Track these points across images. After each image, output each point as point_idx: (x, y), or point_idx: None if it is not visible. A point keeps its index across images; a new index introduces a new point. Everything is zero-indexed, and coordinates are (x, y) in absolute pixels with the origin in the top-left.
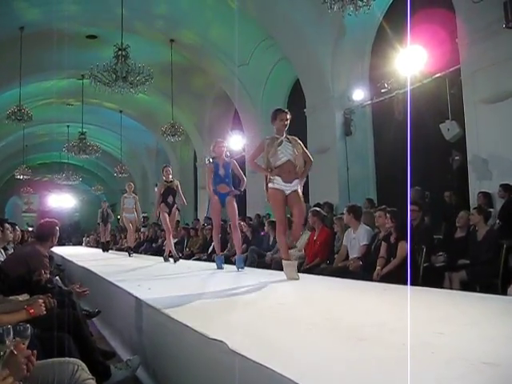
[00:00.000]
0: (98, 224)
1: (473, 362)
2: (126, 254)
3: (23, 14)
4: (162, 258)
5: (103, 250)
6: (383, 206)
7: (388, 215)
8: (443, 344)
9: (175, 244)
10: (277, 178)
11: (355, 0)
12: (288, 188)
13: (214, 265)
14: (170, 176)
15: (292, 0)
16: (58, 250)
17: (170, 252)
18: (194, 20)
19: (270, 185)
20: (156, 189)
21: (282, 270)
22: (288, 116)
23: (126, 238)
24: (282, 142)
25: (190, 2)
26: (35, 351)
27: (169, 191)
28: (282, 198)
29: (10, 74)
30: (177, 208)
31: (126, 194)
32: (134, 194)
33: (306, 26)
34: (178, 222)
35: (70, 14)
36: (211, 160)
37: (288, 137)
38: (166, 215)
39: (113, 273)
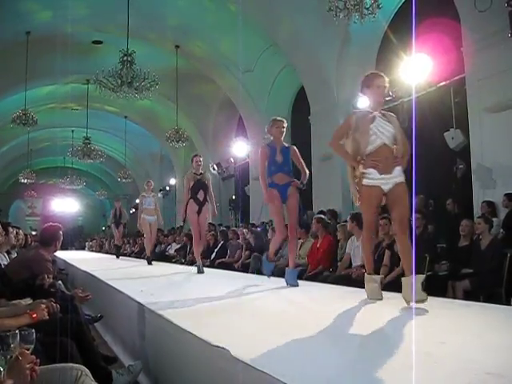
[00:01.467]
0: (109, 227)
1: (476, 373)
2: (143, 261)
3: (30, 19)
4: (189, 267)
5: (117, 256)
6: (386, 215)
7: (392, 223)
8: (446, 354)
9: (177, 250)
10: (370, 170)
11: (360, 8)
12: (386, 182)
13: (220, 272)
14: (201, 167)
15: (297, 7)
16: (61, 254)
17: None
18: (200, 27)
19: (364, 181)
20: (184, 182)
21: (283, 276)
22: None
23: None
24: (374, 118)
25: (195, 10)
26: (38, 360)
27: (199, 185)
28: (377, 198)
29: (16, 78)
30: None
31: (144, 193)
32: (153, 193)
33: (311, 33)
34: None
35: (76, 19)
36: (266, 143)
37: (383, 112)
38: (195, 216)
39: (116, 277)
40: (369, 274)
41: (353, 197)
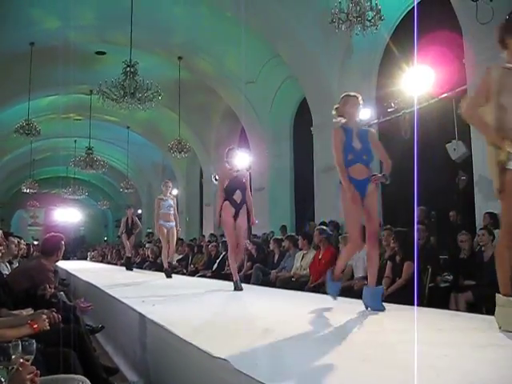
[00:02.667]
0: (118, 236)
1: None
2: (157, 273)
3: (34, 30)
4: (189, 278)
5: (127, 268)
6: (388, 226)
7: (393, 235)
8: (449, 366)
9: (179, 260)
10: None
11: (363, 20)
12: None
13: (222, 283)
14: (237, 164)
15: (300, 19)
16: (62, 264)
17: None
18: (203, 38)
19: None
20: (218, 179)
21: (286, 288)
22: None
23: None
24: None
25: (198, 21)
26: (38, 372)
27: (236, 184)
28: None
29: (20, 89)
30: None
31: (161, 196)
32: (172, 196)
33: (314, 45)
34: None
35: (80, 30)
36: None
37: None
38: (232, 221)
39: (117, 288)
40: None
41: (494, 190)
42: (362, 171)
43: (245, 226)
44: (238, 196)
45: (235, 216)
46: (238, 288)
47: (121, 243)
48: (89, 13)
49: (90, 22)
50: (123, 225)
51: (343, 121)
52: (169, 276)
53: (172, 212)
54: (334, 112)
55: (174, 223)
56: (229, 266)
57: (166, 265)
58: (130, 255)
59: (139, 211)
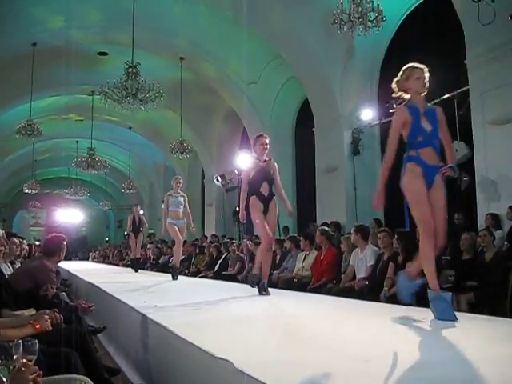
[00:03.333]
0: (126, 236)
1: None
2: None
3: (36, 31)
4: (223, 283)
5: (135, 270)
6: (383, 228)
7: (396, 236)
8: (450, 367)
9: (182, 261)
10: None
11: (365, 21)
12: None
13: (224, 284)
14: (266, 153)
15: (302, 20)
16: (64, 264)
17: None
18: (205, 39)
19: None
20: (242, 172)
21: (288, 288)
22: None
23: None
24: None
25: (200, 22)
26: (41, 372)
27: (263, 175)
28: None
29: (22, 89)
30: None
31: (171, 192)
32: (182, 193)
33: (316, 45)
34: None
35: (82, 31)
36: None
37: None
38: (261, 215)
39: (119, 288)
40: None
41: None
42: (433, 157)
43: (274, 221)
44: (265, 189)
45: (264, 210)
46: (264, 291)
47: (127, 243)
48: (91, 13)
49: (92, 23)
50: (130, 224)
51: (407, 96)
52: (175, 277)
53: (181, 209)
54: (393, 86)
55: (183, 221)
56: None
57: (177, 264)
58: (137, 256)
59: (141, 212)
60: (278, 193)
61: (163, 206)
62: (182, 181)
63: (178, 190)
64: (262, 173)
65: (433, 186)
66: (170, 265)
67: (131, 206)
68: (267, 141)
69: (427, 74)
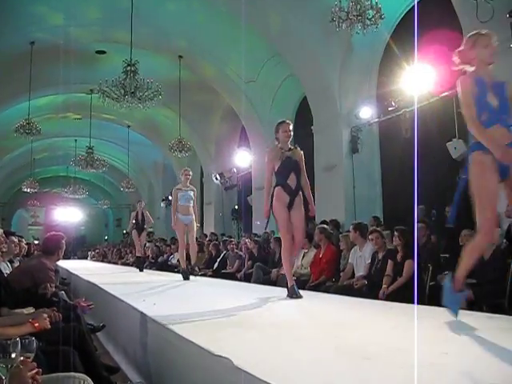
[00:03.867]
0: (127, 233)
1: (479, 383)
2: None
3: (34, 29)
4: (222, 281)
5: (140, 269)
6: (373, 228)
7: (396, 233)
8: (449, 364)
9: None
10: None
11: (363, 19)
12: None
13: (223, 282)
14: (290, 140)
15: (300, 18)
16: (63, 263)
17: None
18: (203, 37)
19: None
20: (266, 161)
21: (287, 286)
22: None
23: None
24: None
25: (198, 20)
26: (40, 370)
27: (289, 166)
28: None
29: (20, 88)
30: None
31: (179, 186)
32: (191, 186)
33: (314, 44)
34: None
35: (80, 29)
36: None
37: None
38: (285, 212)
39: (118, 287)
40: None
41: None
42: (504, 135)
43: (301, 217)
44: (292, 180)
45: (289, 205)
46: (294, 295)
47: (126, 242)
48: (89, 12)
49: (90, 21)
50: (132, 221)
51: (471, 69)
52: (186, 278)
53: (191, 204)
54: (455, 58)
55: (193, 217)
56: (279, 267)
57: (183, 265)
58: (140, 254)
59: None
60: (304, 186)
61: (172, 200)
62: (191, 173)
63: (188, 184)
64: (288, 163)
65: (509, 173)
66: (169, 263)
67: (130, 204)
68: (290, 127)
69: (496, 43)
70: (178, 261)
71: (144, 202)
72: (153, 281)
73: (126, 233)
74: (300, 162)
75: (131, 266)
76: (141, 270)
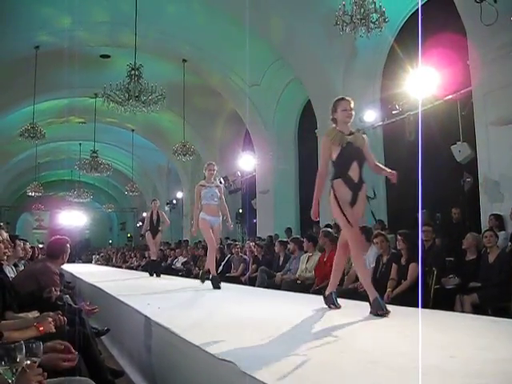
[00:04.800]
0: (142, 236)
1: None
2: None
3: (39, 34)
4: (227, 285)
5: (153, 274)
6: (378, 232)
7: (400, 237)
8: (455, 368)
9: (184, 263)
10: None
11: (367, 22)
12: None
13: (227, 286)
14: (351, 121)
15: (304, 22)
16: (67, 267)
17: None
18: (207, 41)
19: None
20: (321, 147)
21: (291, 290)
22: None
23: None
24: None
25: (203, 24)
26: (45, 374)
27: (350, 153)
28: None
29: (25, 92)
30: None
31: (203, 182)
32: (217, 182)
33: (318, 47)
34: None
35: (85, 33)
36: None
37: None
38: (349, 208)
39: (123, 291)
40: None
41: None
42: None
43: (361, 213)
44: (355, 172)
45: (352, 202)
46: (380, 310)
47: (130, 246)
48: (94, 16)
49: (95, 25)
50: (147, 221)
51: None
52: (217, 286)
53: (217, 203)
54: None
55: (219, 218)
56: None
57: (213, 271)
58: (155, 258)
59: (144, 214)
60: (372, 167)
61: (196, 198)
62: (216, 168)
63: (212, 179)
64: (349, 150)
65: None
66: (173, 267)
67: (134, 208)
68: (352, 105)
69: None
70: (182, 264)
71: (159, 202)
72: (173, 285)
73: (131, 236)
74: (363, 148)
75: (135, 269)
76: (158, 275)
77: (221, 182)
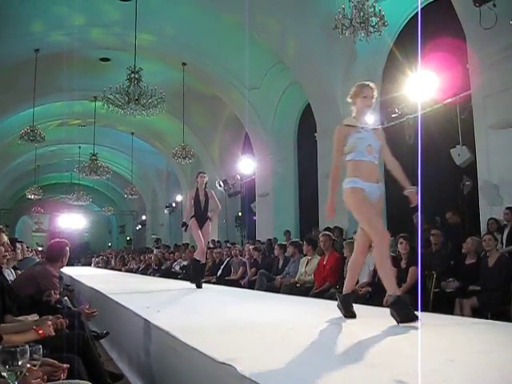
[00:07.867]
0: (184, 224)
1: None
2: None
3: (39, 37)
4: (226, 288)
5: (192, 281)
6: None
7: (403, 240)
8: (454, 371)
9: (184, 267)
10: None
11: (366, 26)
12: None
13: (227, 289)
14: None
15: (304, 25)
16: (67, 270)
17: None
18: (207, 44)
19: None
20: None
21: (291, 293)
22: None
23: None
24: None
25: (202, 27)
26: (45, 377)
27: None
28: None
29: (24, 95)
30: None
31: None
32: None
33: (318, 51)
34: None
35: (84, 37)
36: None
37: None
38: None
39: (121, 294)
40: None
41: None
42: None
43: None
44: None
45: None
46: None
47: (129, 249)
48: (94, 17)
49: (95, 29)
50: (190, 204)
51: None
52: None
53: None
54: None
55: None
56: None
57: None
58: (199, 257)
59: (143, 217)
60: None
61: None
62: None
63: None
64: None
65: None
66: (173, 270)
67: (134, 210)
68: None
69: None
70: (181, 268)
71: (207, 177)
72: (172, 289)
73: (130, 239)
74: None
75: (134, 272)
76: (198, 286)
77: (220, 185)
